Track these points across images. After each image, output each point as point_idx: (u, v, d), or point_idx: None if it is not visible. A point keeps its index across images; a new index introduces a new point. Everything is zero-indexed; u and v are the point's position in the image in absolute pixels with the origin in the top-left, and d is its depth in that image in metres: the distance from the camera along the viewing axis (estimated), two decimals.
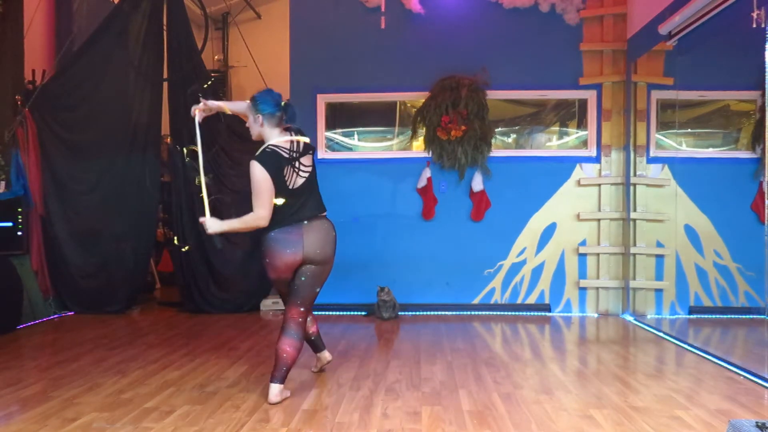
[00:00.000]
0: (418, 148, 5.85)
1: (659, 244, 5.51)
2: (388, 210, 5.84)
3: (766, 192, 4.85)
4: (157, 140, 6.01)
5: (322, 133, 5.88)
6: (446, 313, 5.70)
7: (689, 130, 5.82)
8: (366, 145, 6.12)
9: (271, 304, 5.90)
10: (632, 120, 5.54)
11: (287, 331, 3.15)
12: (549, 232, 5.74)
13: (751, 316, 5.23)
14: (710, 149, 5.78)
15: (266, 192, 3.02)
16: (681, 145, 5.73)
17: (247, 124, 3.25)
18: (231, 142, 5.77)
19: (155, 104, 5.88)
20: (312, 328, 3.58)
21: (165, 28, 5.93)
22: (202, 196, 3.23)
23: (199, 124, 3.31)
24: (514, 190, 5.74)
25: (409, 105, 5.97)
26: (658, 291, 5.53)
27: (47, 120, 5.71)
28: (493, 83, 5.68)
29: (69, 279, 5.75)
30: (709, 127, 5.87)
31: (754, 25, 3.65)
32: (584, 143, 5.80)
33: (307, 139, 3.21)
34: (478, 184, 5.70)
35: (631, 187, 5.54)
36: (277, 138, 3.13)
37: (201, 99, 3.32)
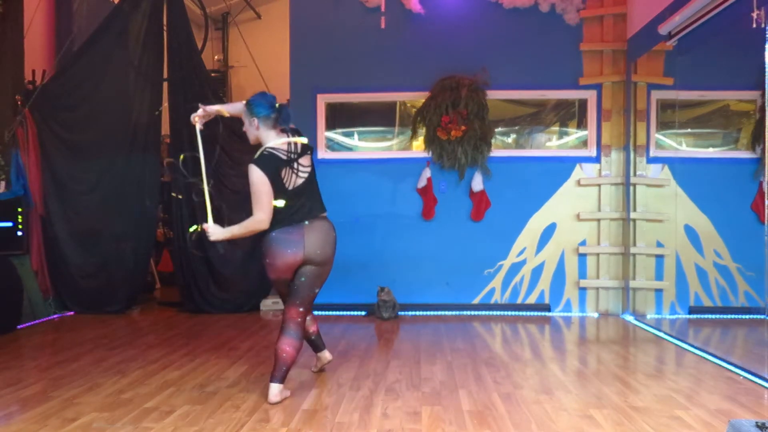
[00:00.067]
0: (418, 148, 5.85)
1: (659, 244, 5.51)
2: (388, 210, 5.84)
3: (766, 192, 4.85)
4: (157, 140, 6.01)
5: (322, 133, 5.88)
6: (446, 313, 5.70)
7: (689, 130, 5.82)
8: (366, 145, 6.12)
9: (271, 304, 5.90)
10: (632, 120, 5.54)
11: (287, 331, 3.15)
12: (549, 232, 5.74)
13: (751, 316, 5.23)
14: (710, 149, 5.78)
15: (265, 195, 3.02)
16: (681, 145, 5.73)
17: (243, 128, 3.23)
18: (231, 142, 5.76)
19: (155, 104, 5.88)
20: (312, 328, 3.58)
21: (165, 28, 5.93)
22: (203, 202, 3.23)
23: (201, 131, 3.31)
24: (514, 190, 5.74)
25: (409, 105, 5.96)
26: (658, 291, 5.53)
27: (47, 120, 5.71)
28: (493, 83, 5.68)
29: (69, 279, 5.75)
30: (709, 127, 5.87)
31: (754, 25, 3.66)
32: (584, 143, 5.80)
33: (305, 140, 3.20)
34: (478, 184, 5.70)
35: (631, 187, 5.54)
36: (274, 140, 3.12)
37: (199, 105, 3.33)
